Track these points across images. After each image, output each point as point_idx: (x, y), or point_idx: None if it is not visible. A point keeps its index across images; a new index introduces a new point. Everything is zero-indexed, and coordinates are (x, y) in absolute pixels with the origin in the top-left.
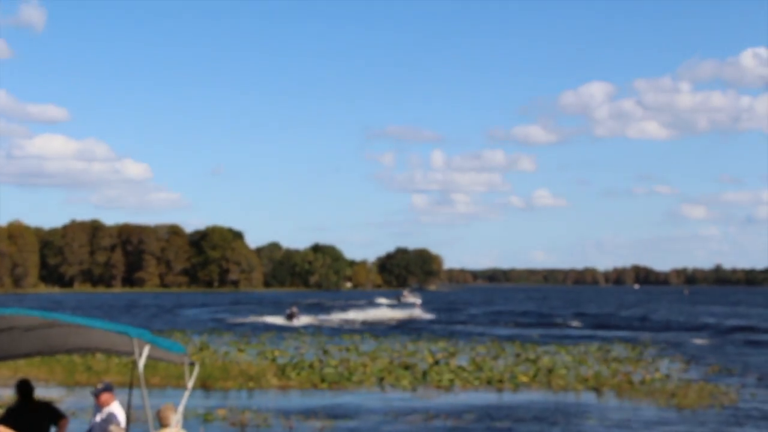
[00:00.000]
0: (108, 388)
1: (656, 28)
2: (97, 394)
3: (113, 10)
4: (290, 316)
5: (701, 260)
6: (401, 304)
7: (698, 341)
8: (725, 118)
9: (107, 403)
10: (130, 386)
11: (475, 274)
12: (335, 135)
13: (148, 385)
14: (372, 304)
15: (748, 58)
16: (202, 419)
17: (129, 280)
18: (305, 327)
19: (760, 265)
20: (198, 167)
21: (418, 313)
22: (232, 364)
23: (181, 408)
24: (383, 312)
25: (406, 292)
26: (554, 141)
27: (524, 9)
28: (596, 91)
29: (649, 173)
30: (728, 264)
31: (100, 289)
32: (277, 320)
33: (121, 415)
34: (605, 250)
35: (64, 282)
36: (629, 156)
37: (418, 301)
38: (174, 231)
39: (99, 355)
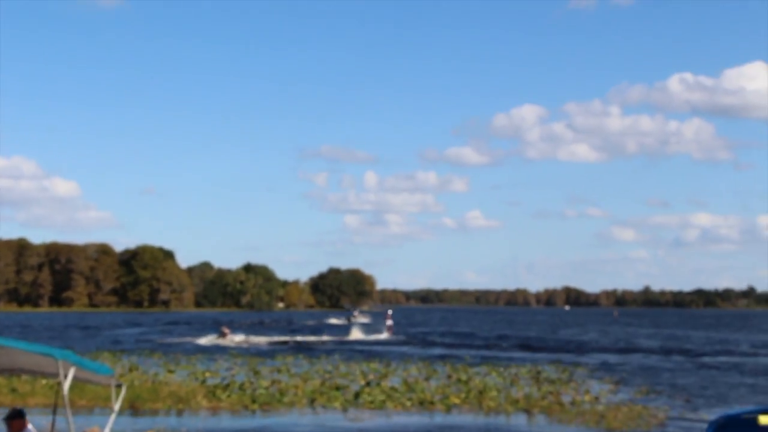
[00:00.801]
0: (18, 415)
1: (586, 53)
2: (7, 421)
3: (41, 25)
4: (223, 335)
5: (630, 282)
6: (353, 324)
7: (627, 363)
8: (653, 142)
9: (20, 430)
10: (55, 409)
11: (408, 295)
12: (268, 154)
13: (75, 407)
14: (339, 327)
15: (675, 83)
16: None
17: (57, 300)
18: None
19: (687, 288)
20: (129, 186)
21: (387, 335)
22: (161, 385)
23: (107, 430)
24: (357, 335)
25: (356, 313)
26: (487, 162)
27: (458, 32)
28: (528, 113)
29: (580, 195)
30: (657, 286)
31: (27, 309)
32: (207, 340)
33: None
34: (537, 271)
35: None
36: (560, 178)
37: (368, 320)
38: (103, 250)
39: (24, 377)
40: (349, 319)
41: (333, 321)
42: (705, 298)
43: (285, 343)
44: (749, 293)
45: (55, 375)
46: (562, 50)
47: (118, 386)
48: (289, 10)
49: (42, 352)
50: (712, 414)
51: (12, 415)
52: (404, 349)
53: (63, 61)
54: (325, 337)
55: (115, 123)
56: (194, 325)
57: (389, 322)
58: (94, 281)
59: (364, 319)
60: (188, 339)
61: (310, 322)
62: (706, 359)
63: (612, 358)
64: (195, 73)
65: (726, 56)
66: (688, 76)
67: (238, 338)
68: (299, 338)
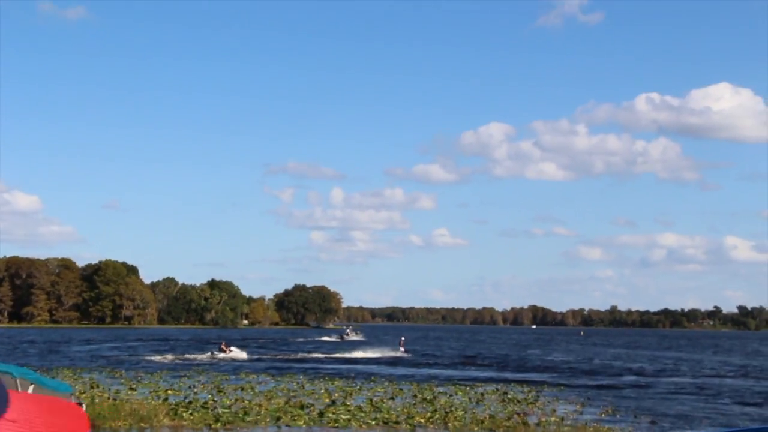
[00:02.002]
0: None
1: (554, 72)
2: None
3: (2, 37)
4: (220, 350)
5: (597, 302)
6: (346, 342)
7: (593, 383)
8: (620, 161)
9: None
10: None
11: (374, 312)
12: (234, 170)
13: None
14: (337, 344)
15: (642, 102)
16: None
17: (17, 315)
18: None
19: (653, 308)
20: (91, 200)
21: (397, 354)
22: (122, 403)
23: None
24: (366, 353)
25: (348, 330)
26: (454, 180)
27: (425, 49)
28: (495, 131)
29: (547, 214)
30: (623, 306)
31: None
32: (207, 356)
33: None
34: (503, 290)
35: None
36: (528, 196)
37: (360, 338)
38: (65, 265)
39: None
40: (342, 337)
41: (325, 339)
42: (671, 318)
43: (288, 360)
44: (715, 313)
45: None
46: (529, 68)
47: (78, 404)
48: (256, 25)
49: None
50: None
51: None
52: (436, 371)
53: (24, 73)
54: (337, 354)
55: (77, 137)
56: (157, 341)
57: (360, 338)
58: (56, 296)
59: (356, 337)
60: (151, 356)
61: (300, 339)
62: (673, 380)
63: (578, 378)
64: (159, 88)
65: (692, 77)
66: (655, 96)
67: (239, 354)
68: (316, 354)
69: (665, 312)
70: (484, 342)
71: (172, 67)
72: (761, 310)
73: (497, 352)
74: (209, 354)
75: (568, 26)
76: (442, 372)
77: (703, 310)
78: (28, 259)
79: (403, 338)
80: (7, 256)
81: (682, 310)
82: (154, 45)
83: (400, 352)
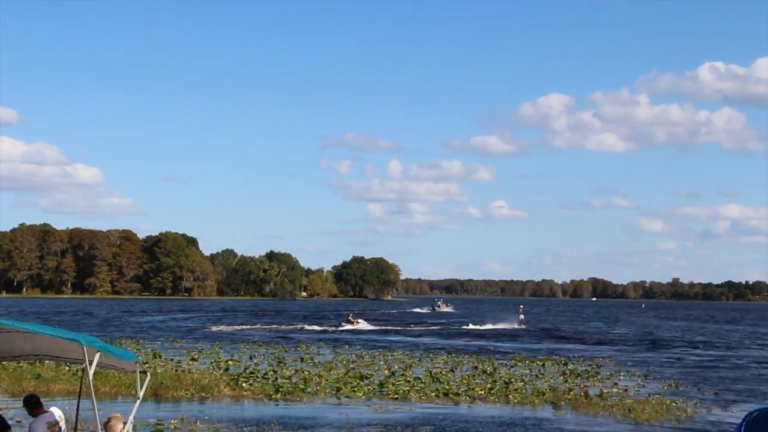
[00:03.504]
0: (34, 402)
1: (614, 42)
2: (28, 406)
3: (65, 11)
4: (347, 322)
5: (659, 274)
6: (438, 313)
7: (656, 356)
8: (683, 132)
9: (41, 413)
10: (79, 395)
11: (432, 285)
12: (292, 143)
13: (99, 394)
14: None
15: (705, 72)
16: (153, 429)
17: (79, 286)
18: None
19: (716, 280)
20: (151, 172)
21: (516, 325)
22: (184, 373)
23: (131, 417)
24: (501, 326)
25: (440, 302)
26: (512, 152)
27: (483, 20)
28: (554, 102)
29: (607, 186)
30: (685, 278)
31: (50, 295)
32: (336, 328)
33: (57, 413)
34: (562, 262)
35: (13, 287)
36: (587, 168)
37: (451, 309)
38: (126, 236)
39: (48, 363)
40: (433, 308)
41: (417, 310)
42: (735, 290)
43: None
44: None
45: (80, 361)
46: (589, 39)
47: (143, 373)
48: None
49: (67, 338)
50: (741, 409)
51: (30, 402)
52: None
53: (86, 47)
54: (470, 326)
55: (138, 109)
56: (216, 313)
57: (451, 309)
58: (117, 268)
59: (447, 308)
60: (212, 327)
61: (393, 311)
62: (737, 353)
63: (640, 351)
64: (220, 60)
65: (758, 45)
66: (720, 65)
67: (365, 325)
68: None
69: (728, 284)
70: (545, 314)
71: (233, 39)
72: None
73: (558, 324)
74: (342, 324)
75: None
76: (503, 344)
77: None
78: (90, 231)
79: (522, 307)
80: (70, 227)
81: (746, 282)
82: (214, 17)
83: (519, 324)
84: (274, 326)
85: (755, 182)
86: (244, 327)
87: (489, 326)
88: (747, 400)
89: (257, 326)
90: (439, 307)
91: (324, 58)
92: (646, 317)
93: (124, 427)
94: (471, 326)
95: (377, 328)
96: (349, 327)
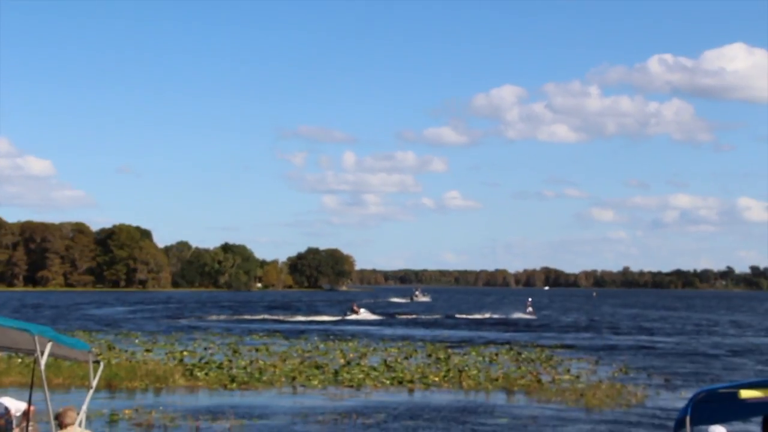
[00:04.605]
0: None
1: (566, 34)
2: None
3: (10, 3)
4: (352, 311)
5: (610, 263)
6: (415, 303)
7: (606, 342)
8: (633, 123)
9: None
10: (31, 387)
11: (387, 275)
12: (246, 135)
13: (51, 386)
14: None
15: (655, 64)
16: (107, 420)
17: (32, 279)
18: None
19: (666, 269)
20: (104, 165)
21: (525, 315)
22: (138, 364)
23: (84, 407)
24: (515, 315)
25: (417, 292)
26: (465, 143)
27: (436, 11)
28: (507, 94)
29: (559, 176)
30: (636, 267)
31: (1, 288)
32: (337, 317)
33: (10, 404)
34: (515, 251)
35: None
36: (539, 158)
37: (429, 299)
38: (79, 229)
39: None
40: (411, 298)
41: (395, 300)
42: (684, 278)
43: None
44: (727, 274)
45: (32, 351)
46: (541, 30)
47: (96, 362)
48: None
49: (17, 327)
50: (690, 392)
51: None
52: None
53: (37, 38)
54: (483, 315)
55: (89, 101)
56: (170, 304)
57: (428, 300)
58: (70, 260)
59: (425, 298)
60: (167, 319)
61: (368, 300)
62: (685, 339)
63: (591, 338)
64: (172, 53)
65: (706, 37)
66: (668, 57)
67: (368, 315)
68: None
69: (678, 273)
70: (498, 303)
71: (185, 32)
72: None
73: (511, 313)
74: (345, 313)
75: None
76: (455, 333)
77: (715, 270)
78: (42, 224)
79: (530, 299)
80: (22, 220)
81: (695, 270)
82: (166, 11)
83: (527, 314)
84: (266, 317)
85: (703, 172)
86: (224, 317)
87: (500, 315)
88: (695, 384)
89: (245, 316)
90: (416, 296)
91: (277, 50)
92: (596, 304)
93: (77, 418)
94: (488, 315)
95: (377, 318)
96: (354, 317)
